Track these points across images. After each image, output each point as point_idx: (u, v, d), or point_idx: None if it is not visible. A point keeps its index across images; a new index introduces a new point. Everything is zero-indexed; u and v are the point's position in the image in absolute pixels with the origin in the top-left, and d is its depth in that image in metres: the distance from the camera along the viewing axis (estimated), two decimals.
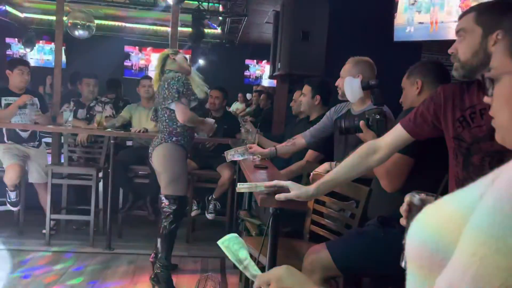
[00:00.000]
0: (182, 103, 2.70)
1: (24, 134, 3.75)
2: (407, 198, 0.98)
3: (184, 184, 2.85)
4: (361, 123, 1.79)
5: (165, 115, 2.81)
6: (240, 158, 2.54)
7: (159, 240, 2.81)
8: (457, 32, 1.37)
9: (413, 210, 0.94)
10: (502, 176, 0.49)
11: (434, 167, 1.62)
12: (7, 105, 3.65)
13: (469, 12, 1.34)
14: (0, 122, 3.62)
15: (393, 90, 2.06)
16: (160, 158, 2.78)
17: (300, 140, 2.62)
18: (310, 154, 2.77)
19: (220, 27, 7.92)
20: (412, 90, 1.84)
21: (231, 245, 0.97)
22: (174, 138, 2.79)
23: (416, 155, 1.66)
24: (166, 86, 2.71)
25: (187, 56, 2.97)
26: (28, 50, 8.41)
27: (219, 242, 0.99)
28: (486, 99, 0.68)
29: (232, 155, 2.57)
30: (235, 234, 1.02)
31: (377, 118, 1.77)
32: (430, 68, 1.83)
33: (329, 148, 2.60)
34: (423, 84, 1.81)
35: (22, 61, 4.06)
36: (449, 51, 1.39)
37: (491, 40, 1.26)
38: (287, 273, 0.84)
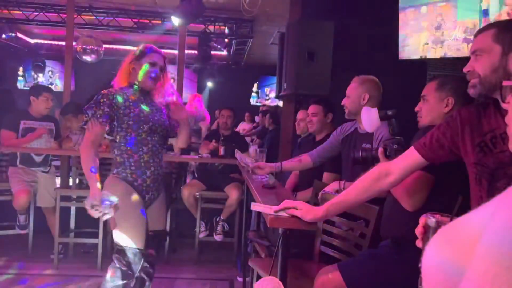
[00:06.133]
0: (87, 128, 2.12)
1: (38, 159, 3.78)
2: (422, 219, 0.96)
3: (135, 232, 2.07)
4: (380, 151, 1.76)
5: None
6: (249, 162, 2.62)
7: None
8: (473, 51, 1.33)
9: (428, 232, 0.93)
10: None
11: (454, 187, 1.57)
12: (26, 129, 3.70)
13: (487, 30, 1.31)
14: (15, 147, 3.67)
15: (398, 108, 2.05)
16: None
17: (306, 158, 2.62)
18: (327, 176, 2.71)
19: (226, 49, 8.03)
20: (440, 106, 1.74)
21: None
22: (115, 170, 2.19)
23: (435, 172, 1.60)
24: None
25: (152, 61, 2.21)
26: (39, 75, 8.56)
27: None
28: (503, 105, 0.67)
29: (243, 159, 2.72)
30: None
31: (395, 148, 1.74)
32: (464, 87, 1.59)
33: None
34: (455, 103, 1.70)
35: (47, 88, 4.06)
36: (465, 69, 1.35)
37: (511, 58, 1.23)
38: None
